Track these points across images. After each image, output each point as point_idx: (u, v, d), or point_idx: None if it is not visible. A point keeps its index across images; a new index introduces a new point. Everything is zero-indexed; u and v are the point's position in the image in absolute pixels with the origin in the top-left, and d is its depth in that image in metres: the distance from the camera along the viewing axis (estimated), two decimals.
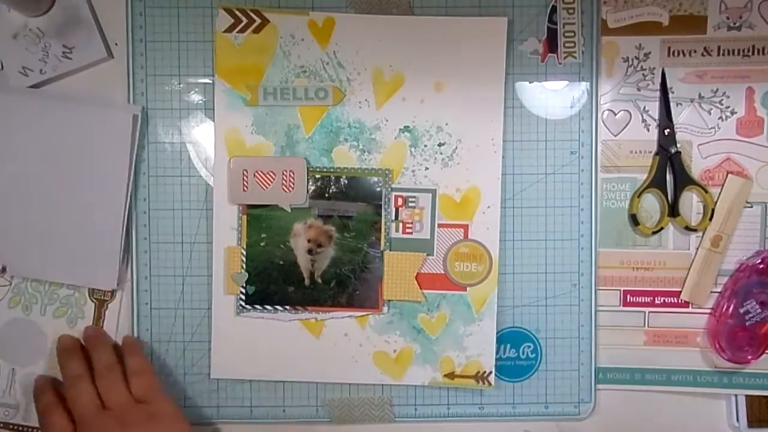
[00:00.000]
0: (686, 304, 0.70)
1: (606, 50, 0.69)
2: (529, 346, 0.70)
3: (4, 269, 0.68)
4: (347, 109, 0.68)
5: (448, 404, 0.70)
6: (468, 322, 0.69)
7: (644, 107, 0.69)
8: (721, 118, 0.69)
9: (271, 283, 0.68)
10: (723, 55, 0.69)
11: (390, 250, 0.68)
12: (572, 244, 0.69)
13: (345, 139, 0.68)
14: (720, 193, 0.69)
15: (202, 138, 0.69)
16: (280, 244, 0.68)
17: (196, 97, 0.68)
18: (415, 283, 0.68)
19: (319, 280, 0.68)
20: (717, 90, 0.69)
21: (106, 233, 0.67)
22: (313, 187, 0.68)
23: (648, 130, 0.69)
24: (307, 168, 0.68)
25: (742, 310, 0.68)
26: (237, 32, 0.67)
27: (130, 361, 0.65)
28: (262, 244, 0.68)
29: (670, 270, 0.70)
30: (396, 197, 0.68)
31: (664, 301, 0.70)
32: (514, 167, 0.69)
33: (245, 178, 0.67)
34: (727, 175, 0.69)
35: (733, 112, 0.69)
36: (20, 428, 0.70)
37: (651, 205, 0.69)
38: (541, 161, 0.69)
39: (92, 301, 0.69)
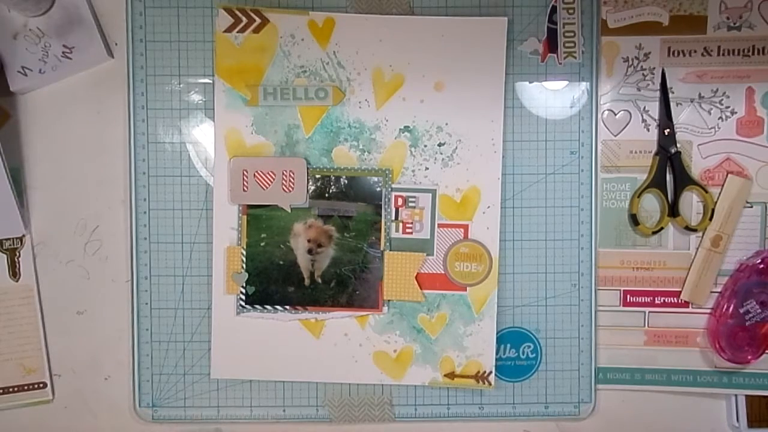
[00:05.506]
0: (686, 304, 0.70)
1: (606, 50, 0.69)
2: (529, 346, 0.70)
3: None
4: (347, 109, 0.68)
5: (448, 404, 0.70)
6: (468, 322, 0.69)
7: (644, 107, 0.69)
8: (721, 118, 0.69)
9: (271, 283, 0.68)
10: (723, 55, 0.69)
11: (390, 250, 0.68)
12: (572, 244, 0.69)
13: (345, 139, 0.68)
14: (720, 193, 0.69)
15: (202, 138, 0.69)
16: (280, 244, 0.68)
17: (196, 97, 0.68)
18: (415, 283, 0.68)
19: (319, 280, 0.68)
20: (717, 90, 0.69)
21: None
22: (313, 187, 0.68)
23: (648, 130, 0.69)
24: (307, 168, 0.68)
25: (742, 310, 0.68)
26: (237, 32, 0.67)
27: None
28: (262, 244, 0.68)
29: (670, 270, 0.70)
30: (396, 197, 0.68)
31: (664, 301, 0.70)
32: (514, 167, 0.69)
33: (245, 178, 0.67)
34: (727, 175, 0.69)
35: (733, 112, 0.69)
36: None
37: (651, 205, 0.69)
38: (541, 161, 0.69)
39: (2, 252, 0.69)
